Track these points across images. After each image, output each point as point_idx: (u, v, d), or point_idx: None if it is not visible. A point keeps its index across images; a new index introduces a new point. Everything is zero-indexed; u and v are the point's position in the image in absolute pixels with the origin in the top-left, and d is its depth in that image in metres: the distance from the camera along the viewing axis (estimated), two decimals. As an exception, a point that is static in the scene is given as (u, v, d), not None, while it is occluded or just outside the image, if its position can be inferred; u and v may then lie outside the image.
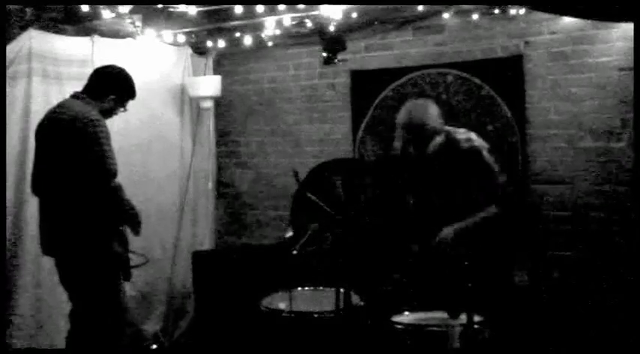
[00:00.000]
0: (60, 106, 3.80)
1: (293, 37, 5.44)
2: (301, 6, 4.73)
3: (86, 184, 3.61)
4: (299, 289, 3.90)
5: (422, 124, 3.82)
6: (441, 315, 3.28)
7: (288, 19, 4.95)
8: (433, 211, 3.89)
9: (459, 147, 3.82)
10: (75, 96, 3.82)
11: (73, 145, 3.61)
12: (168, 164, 5.52)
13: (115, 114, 3.93)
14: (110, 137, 3.70)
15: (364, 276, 3.62)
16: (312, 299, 3.72)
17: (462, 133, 3.89)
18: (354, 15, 4.86)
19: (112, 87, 3.85)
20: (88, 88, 3.85)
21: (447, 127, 3.91)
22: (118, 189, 3.71)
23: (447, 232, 3.73)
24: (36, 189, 3.82)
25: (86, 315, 3.75)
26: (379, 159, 4.36)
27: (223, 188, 6.12)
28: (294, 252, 3.38)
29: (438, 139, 3.85)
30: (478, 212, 3.77)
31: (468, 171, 3.79)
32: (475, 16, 4.89)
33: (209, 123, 5.90)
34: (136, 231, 3.83)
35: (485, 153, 3.83)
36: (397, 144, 4.05)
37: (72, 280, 3.77)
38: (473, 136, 3.89)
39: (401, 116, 3.91)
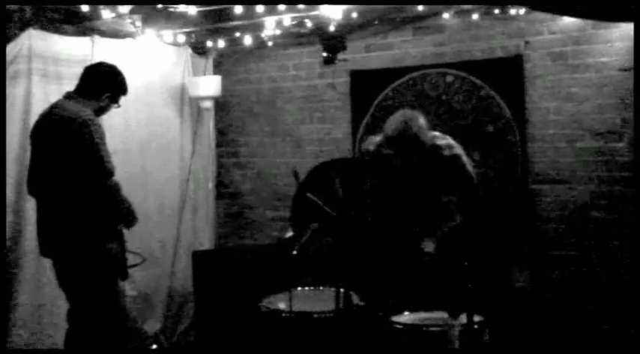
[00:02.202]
0: (54, 106, 3.79)
1: (293, 37, 5.44)
2: (301, 6, 4.72)
3: (83, 184, 3.60)
4: (299, 289, 3.90)
5: (416, 138, 3.74)
6: (441, 315, 3.28)
7: (288, 19, 4.95)
8: (406, 217, 3.89)
9: (441, 154, 3.83)
10: (68, 96, 3.81)
11: (69, 145, 3.60)
12: (168, 164, 5.52)
13: (109, 111, 3.93)
14: (105, 136, 3.70)
15: (364, 276, 3.62)
16: (312, 299, 3.72)
17: (440, 139, 3.89)
18: (354, 15, 4.86)
19: (104, 85, 3.84)
20: (80, 88, 3.84)
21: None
22: (116, 188, 3.70)
23: (429, 245, 3.75)
24: (32, 190, 3.81)
25: (84, 315, 3.75)
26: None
27: (223, 188, 6.12)
28: (294, 252, 3.38)
29: (423, 148, 3.83)
30: (450, 218, 3.81)
31: (448, 176, 3.81)
32: (475, 16, 4.89)
33: (209, 123, 5.89)
34: (131, 226, 3.83)
35: (464, 158, 3.87)
36: (370, 147, 4.02)
37: (69, 280, 3.77)
38: (451, 141, 3.91)
39: (392, 129, 3.77)
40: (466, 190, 3.85)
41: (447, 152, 3.84)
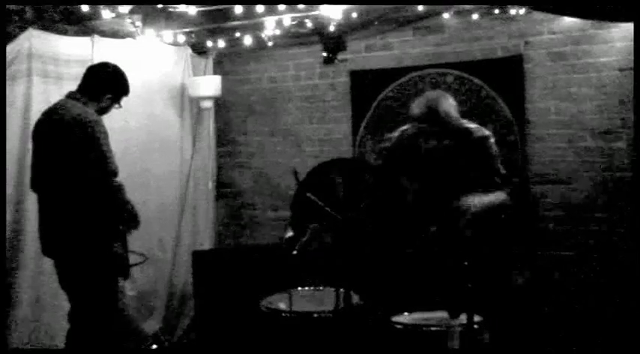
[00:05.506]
0: (57, 106, 3.79)
1: (293, 37, 5.44)
2: (301, 6, 4.72)
3: (87, 185, 3.61)
4: (299, 289, 3.90)
5: (445, 117, 3.74)
6: (441, 315, 3.28)
7: (288, 19, 4.95)
8: (434, 201, 3.86)
9: (471, 136, 3.81)
10: (71, 96, 3.81)
11: (73, 146, 3.61)
12: (169, 164, 5.52)
13: (110, 111, 3.93)
14: (108, 136, 3.70)
15: (364, 276, 3.62)
16: (312, 299, 3.72)
17: (469, 123, 3.89)
18: (354, 15, 4.86)
19: (107, 86, 3.85)
20: (83, 88, 3.84)
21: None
22: (120, 189, 3.71)
23: (473, 201, 3.67)
24: (35, 186, 3.81)
25: (85, 315, 3.75)
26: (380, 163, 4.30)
27: (223, 188, 6.12)
28: (294, 252, 3.38)
29: (452, 129, 3.80)
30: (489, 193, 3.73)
31: (477, 158, 3.78)
32: (475, 16, 4.89)
33: (209, 123, 5.89)
34: (134, 228, 3.83)
35: (492, 140, 3.85)
36: (394, 134, 4.00)
37: (71, 280, 3.77)
38: (479, 125, 3.91)
39: (420, 109, 3.78)
40: (490, 171, 3.80)
41: (477, 134, 3.82)
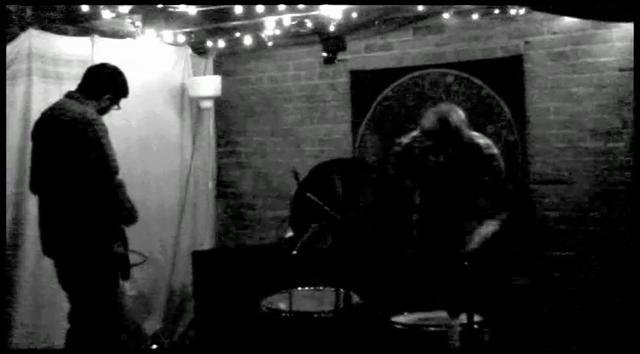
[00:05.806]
0: (57, 106, 3.79)
1: (293, 37, 5.44)
2: (301, 6, 4.72)
3: (88, 184, 3.61)
4: (299, 289, 3.90)
5: (456, 130, 3.74)
6: (441, 315, 3.28)
7: (288, 19, 4.95)
8: (438, 213, 3.88)
9: (481, 152, 3.81)
10: (70, 96, 3.81)
11: (74, 145, 3.61)
12: (169, 164, 5.52)
13: (109, 111, 3.93)
14: (109, 135, 3.71)
15: (364, 276, 3.62)
16: (312, 299, 3.72)
17: (479, 137, 3.89)
18: (354, 15, 4.86)
19: (106, 86, 3.85)
20: (82, 88, 3.84)
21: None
22: (120, 186, 3.71)
23: (473, 245, 3.71)
24: (35, 188, 3.82)
25: (85, 315, 3.75)
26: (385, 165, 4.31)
27: (223, 188, 6.12)
28: (294, 252, 3.38)
29: (462, 144, 3.81)
30: (488, 219, 3.77)
31: (483, 176, 3.79)
32: (475, 16, 4.89)
33: (209, 123, 5.89)
34: (132, 223, 3.83)
35: (500, 160, 3.87)
36: (403, 140, 4.02)
37: (72, 280, 3.77)
38: (489, 141, 3.92)
39: (431, 122, 3.77)
40: (496, 193, 3.83)
41: (486, 151, 3.83)
